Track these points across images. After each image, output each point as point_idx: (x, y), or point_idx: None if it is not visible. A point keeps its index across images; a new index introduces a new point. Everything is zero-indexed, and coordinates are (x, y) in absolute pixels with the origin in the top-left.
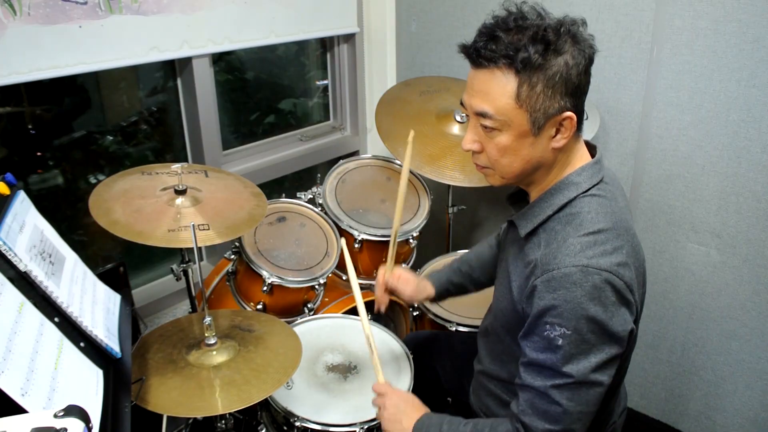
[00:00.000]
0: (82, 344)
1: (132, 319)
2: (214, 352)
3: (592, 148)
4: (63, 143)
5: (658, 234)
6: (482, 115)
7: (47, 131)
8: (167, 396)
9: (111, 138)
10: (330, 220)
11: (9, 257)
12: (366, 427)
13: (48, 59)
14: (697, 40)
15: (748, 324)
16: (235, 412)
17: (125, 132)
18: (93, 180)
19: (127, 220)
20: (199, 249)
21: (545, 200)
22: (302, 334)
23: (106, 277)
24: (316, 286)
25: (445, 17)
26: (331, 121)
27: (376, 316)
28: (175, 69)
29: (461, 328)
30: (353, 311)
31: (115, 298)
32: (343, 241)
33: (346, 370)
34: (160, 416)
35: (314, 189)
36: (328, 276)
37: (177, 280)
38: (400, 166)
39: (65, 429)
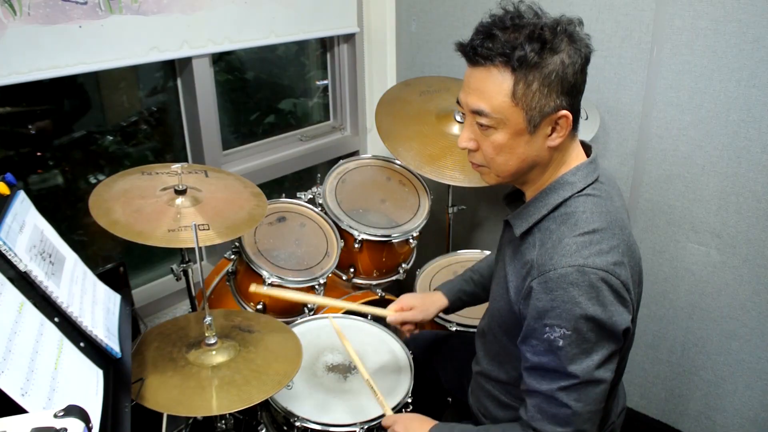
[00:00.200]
0: (82, 344)
1: (132, 319)
2: (214, 352)
3: (587, 148)
4: (63, 143)
5: (658, 234)
6: (478, 113)
7: (47, 131)
8: (167, 394)
9: (111, 138)
10: (330, 220)
11: (9, 257)
12: (366, 427)
13: (48, 59)
14: (697, 40)
15: (748, 324)
16: (235, 412)
17: (125, 132)
18: (93, 180)
19: (127, 220)
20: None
21: (540, 200)
22: (302, 334)
23: (106, 277)
24: (316, 286)
25: (445, 17)
26: (331, 121)
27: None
28: (175, 69)
29: (461, 328)
30: (353, 311)
31: (115, 298)
32: (335, 322)
33: (346, 370)
34: (160, 416)
35: (314, 189)
36: (328, 276)
37: (177, 280)
38: (401, 166)
39: (65, 429)
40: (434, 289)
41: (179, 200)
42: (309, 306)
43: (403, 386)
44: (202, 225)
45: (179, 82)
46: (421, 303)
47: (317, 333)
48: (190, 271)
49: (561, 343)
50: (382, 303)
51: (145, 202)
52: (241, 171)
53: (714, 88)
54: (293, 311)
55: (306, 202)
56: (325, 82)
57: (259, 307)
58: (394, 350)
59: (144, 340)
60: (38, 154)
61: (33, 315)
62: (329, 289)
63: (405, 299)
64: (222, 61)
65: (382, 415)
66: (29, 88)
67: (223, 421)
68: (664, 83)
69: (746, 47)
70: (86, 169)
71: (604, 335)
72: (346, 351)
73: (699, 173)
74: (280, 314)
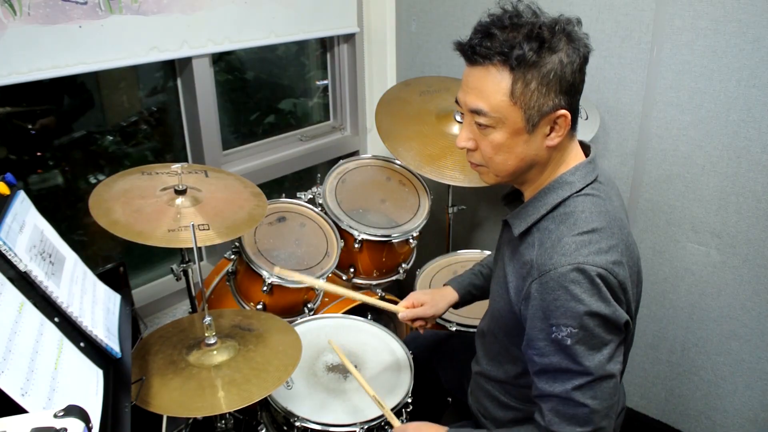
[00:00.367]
0: (82, 344)
1: (132, 319)
2: (215, 352)
3: (586, 148)
4: (63, 143)
5: (658, 234)
6: (477, 112)
7: (47, 131)
8: (168, 397)
9: (111, 138)
10: (330, 220)
11: (9, 257)
12: (366, 427)
13: (48, 59)
14: (697, 40)
15: (748, 324)
16: (235, 412)
17: (125, 132)
18: (93, 180)
19: (127, 220)
20: (199, 249)
21: (539, 199)
22: (302, 334)
23: (106, 277)
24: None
25: (445, 17)
26: (331, 121)
27: (376, 317)
28: (175, 69)
29: (461, 329)
30: (353, 311)
31: (115, 298)
32: (337, 347)
33: (346, 370)
34: (160, 416)
35: (314, 189)
36: (328, 276)
37: (177, 280)
38: (401, 166)
39: (65, 429)
40: (444, 284)
41: (179, 200)
42: (309, 306)
43: (403, 386)
44: (202, 225)
45: (179, 82)
46: (431, 299)
47: (317, 333)
48: (190, 271)
49: (569, 341)
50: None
51: (145, 202)
52: (241, 171)
53: (714, 88)
54: (293, 311)
55: (306, 202)
56: (325, 82)
57: (259, 307)
58: (394, 350)
59: (144, 344)
60: (38, 154)
61: (33, 315)
62: None
63: (415, 296)
64: (222, 61)
65: (383, 415)
66: (29, 88)
67: (223, 421)
68: (664, 83)
69: (746, 47)
70: (86, 169)
71: (610, 329)
72: (351, 373)
73: (699, 173)
74: (279, 314)
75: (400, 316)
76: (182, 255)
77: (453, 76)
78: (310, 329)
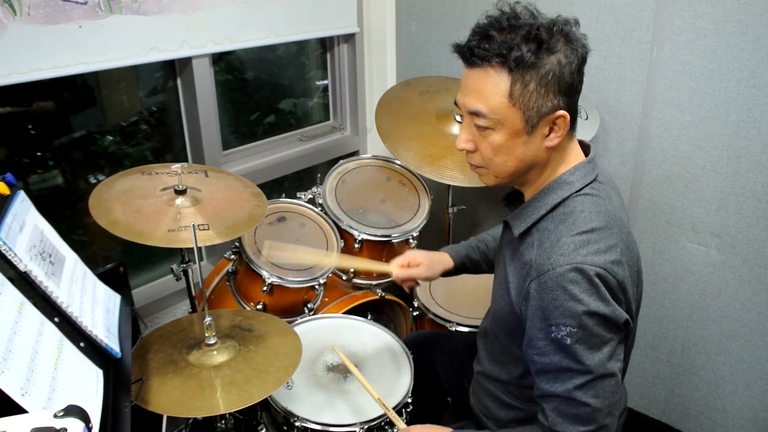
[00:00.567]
0: (82, 344)
1: (132, 319)
2: (215, 352)
3: (586, 147)
4: (63, 143)
5: (658, 234)
6: (476, 114)
7: (47, 131)
8: (168, 396)
9: (111, 138)
10: (330, 220)
11: (9, 257)
12: (366, 427)
13: (48, 59)
14: (697, 40)
15: (748, 324)
16: (235, 412)
17: (125, 132)
18: (93, 180)
19: (127, 220)
20: (199, 249)
21: (539, 200)
22: (302, 334)
23: (106, 277)
24: (316, 286)
25: (445, 17)
26: (331, 121)
27: (376, 316)
28: (175, 69)
29: (461, 328)
30: (353, 311)
31: (115, 298)
32: (341, 353)
33: (346, 370)
34: (160, 416)
35: (314, 189)
36: (328, 276)
37: (177, 280)
38: (401, 166)
39: (65, 429)
40: (441, 249)
41: (179, 200)
42: (309, 306)
43: (403, 386)
44: (202, 225)
45: (179, 82)
46: (429, 260)
47: (317, 333)
48: (190, 271)
49: (569, 341)
50: (382, 303)
51: (145, 202)
52: (241, 171)
53: (714, 88)
54: (293, 311)
55: (306, 202)
56: (325, 82)
57: (259, 307)
58: (394, 350)
59: (144, 343)
60: (38, 154)
61: (33, 315)
62: (329, 289)
63: (412, 255)
64: (222, 61)
65: (383, 415)
66: (29, 88)
67: (223, 421)
68: (664, 83)
69: (746, 47)
70: (86, 169)
71: (609, 328)
72: (355, 377)
73: (699, 173)
74: (279, 314)
75: (394, 274)
76: (182, 255)
77: (453, 76)
78: (310, 329)
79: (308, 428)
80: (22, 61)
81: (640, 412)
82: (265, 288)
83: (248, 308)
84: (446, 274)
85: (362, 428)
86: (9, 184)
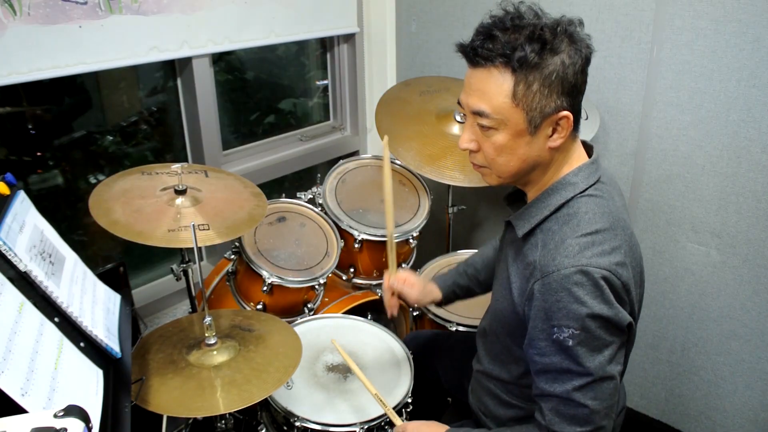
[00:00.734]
0: (82, 344)
1: (132, 319)
2: (215, 352)
3: (588, 148)
4: (63, 143)
5: (658, 234)
6: (479, 114)
7: (47, 131)
8: (168, 396)
9: (111, 138)
10: (330, 220)
11: (9, 257)
12: (366, 427)
13: (48, 59)
14: (697, 40)
15: (748, 324)
16: (235, 412)
17: (125, 132)
18: (93, 180)
19: (127, 220)
20: (199, 249)
21: (542, 200)
22: (302, 334)
23: (106, 277)
24: (316, 286)
25: (445, 17)
26: (331, 121)
27: (376, 316)
28: (175, 69)
29: (461, 328)
30: (353, 311)
31: (115, 298)
32: (339, 346)
33: (346, 370)
34: (160, 416)
35: (314, 189)
36: (328, 276)
37: (177, 280)
38: (401, 166)
39: (65, 429)
40: (430, 280)
41: (179, 200)
42: (309, 306)
43: (403, 386)
44: (202, 225)
45: (179, 82)
46: (422, 287)
47: (317, 333)
48: (190, 271)
49: (571, 342)
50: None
51: (145, 202)
52: (241, 171)
53: (714, 88)
54: (293, 311)
55: (306, 202)
56: (325, 82)
57: (259, 307)
58: (394, 350)
59: (144, 343)
60: (38, 154)
61: (33, 315)
62: (329, 289)
63: (409, 275)
64: (222, 61)
65: (383, 415)
66: (29, 88)
67: (223, 421)
68: (664, 83)
69: (746, 47)
70: (86, 169)
71: (611, 331)
72: (353, 370)
73: (699, 173)
74: (279, 314)
75: (390, 280)
76: (182, 255)
77: (453, 77)
78: (310, 329)
79: (308, 428)
80: (22, 61)
81: (640, 412)
82: (265, 288)
83: (248, 308)
84: (438, 304)
85: (362, 428)
86: (9, 184)
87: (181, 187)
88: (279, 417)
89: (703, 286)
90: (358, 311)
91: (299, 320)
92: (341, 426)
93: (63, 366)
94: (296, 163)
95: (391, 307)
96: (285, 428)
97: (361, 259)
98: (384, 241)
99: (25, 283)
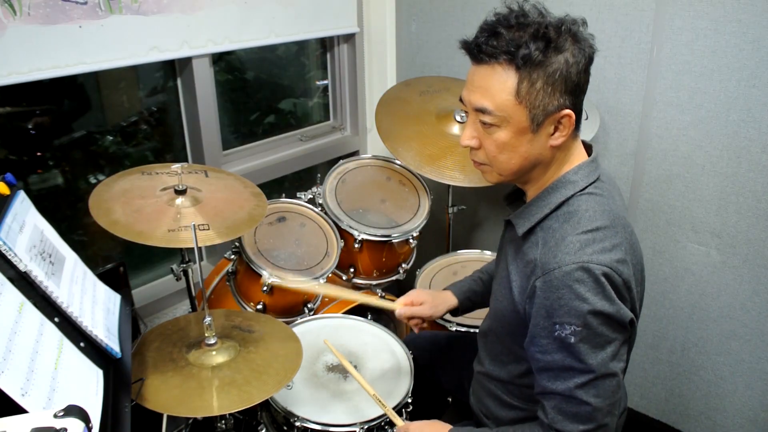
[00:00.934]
0: (82, 344)
1: (132, 319)
2: (215, 352)
3: (587, 147)
4: (63, 143)
5: (658, 234)
6: (481, 110)
7: (47, 131)
8: (167, 395)
9: (111, 138)
10: (330, 220)
11: (9, 257)
12: (366, 427)
13: (48, 59)
14: (697, 40)
15: (748, 324)
16: (235, 412)
17: (125, 132)
18: (93, 180)
19: (127, 220)
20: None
21: (542, 199)
22: (302, 334)
23: (106, 277)
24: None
25: (445, 17)
26: (331, 121)
27: (376, 317)
28: (175, 69)
29: (461, 328)
30: (353, 311)
31: (115, 298)
32: (332, 345)
33: (346, 370)
34: (160, 416)
35: (314, 189)
36: (328, 276)
37: (177, 280)
38: (401, 166)
39: (65, 429)
40: (444, 288)
41: (179, 200)
42: (309, 306)
43: (403, 387)
44: (202, 225)
45: (179, 82)
46: (432, 300)
47: (317, 333)
48: (190, 271)
49: (573, 339)
50: None
51: (145, 202)
52: (241, 171)
53: (714, 88)
54: (293, 311)
55: (306, 202)
56: (325, 82)
57: (259, 307)
58: (395, 350)
59: (144, 340)
60: (38, 154)
61: (33, 315)
62: None
63: (415, 294)
64: (222, 61)
65: (383, 415)
66: (29, 88)
67: (223, 421)
68: (664, 83)
69: (746, 47)
70: (86, 169)
71: (614, 328)
72: (350, 373)
73: (699, 173)
74: (279, 314)
75: (396, 312)
76: (182, 255)
77: (453, 76)
78: (310, 329)
79: (308, 428)
80: (22, 61)
81: (640, 412)
82: (265, 288)
83: (248, 308)
84: (454, 312)
85: (362, 428)
86: (9, 184)
87: (181, 187)
88: (279, 417)
89: (703, 286)
90: (358, 311)
91: (299, 320)
92: (341, 426)
93: (63, 366)
94: (296, 163)
95: (414, 327)
96: (285, 428)
97: (361, 259)
98: (384, 241)
99: (25, 283)
